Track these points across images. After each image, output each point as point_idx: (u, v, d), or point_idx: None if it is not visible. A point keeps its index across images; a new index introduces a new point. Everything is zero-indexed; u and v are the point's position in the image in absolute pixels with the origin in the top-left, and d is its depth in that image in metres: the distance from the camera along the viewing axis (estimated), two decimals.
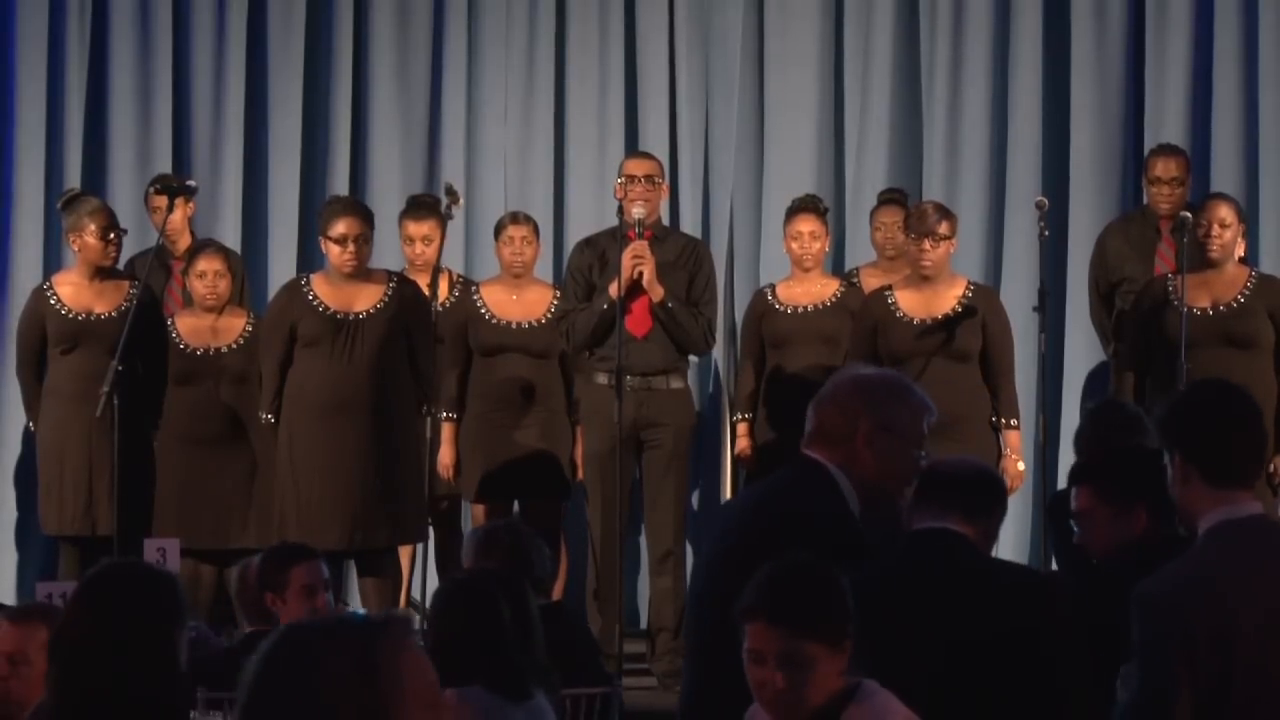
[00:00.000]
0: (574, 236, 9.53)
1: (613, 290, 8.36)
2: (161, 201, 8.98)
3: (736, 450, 9.02)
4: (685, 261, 8.63)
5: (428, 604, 6.78)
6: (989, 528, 4.82)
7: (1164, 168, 9.12)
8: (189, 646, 3.96)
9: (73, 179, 10.03)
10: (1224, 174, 9.83)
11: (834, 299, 8.85)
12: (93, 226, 8.54)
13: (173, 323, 8.77)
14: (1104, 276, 9.19)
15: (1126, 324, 8.74)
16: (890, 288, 8.51)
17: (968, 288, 8.45)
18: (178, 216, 9.12)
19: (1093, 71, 10.05)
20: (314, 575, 6.05)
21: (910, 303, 8.37)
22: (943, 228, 8.36)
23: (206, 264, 8.78)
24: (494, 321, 8.89)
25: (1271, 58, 9.84)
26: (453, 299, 9.11)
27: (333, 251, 8.22)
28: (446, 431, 8.88)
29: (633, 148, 10.07)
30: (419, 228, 9.12)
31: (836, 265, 9.86)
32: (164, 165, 10.07)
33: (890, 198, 9.55)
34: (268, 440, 8.37)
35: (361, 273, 8.25)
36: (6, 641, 4.59)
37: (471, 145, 10.46)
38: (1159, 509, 5.11)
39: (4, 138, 10.15)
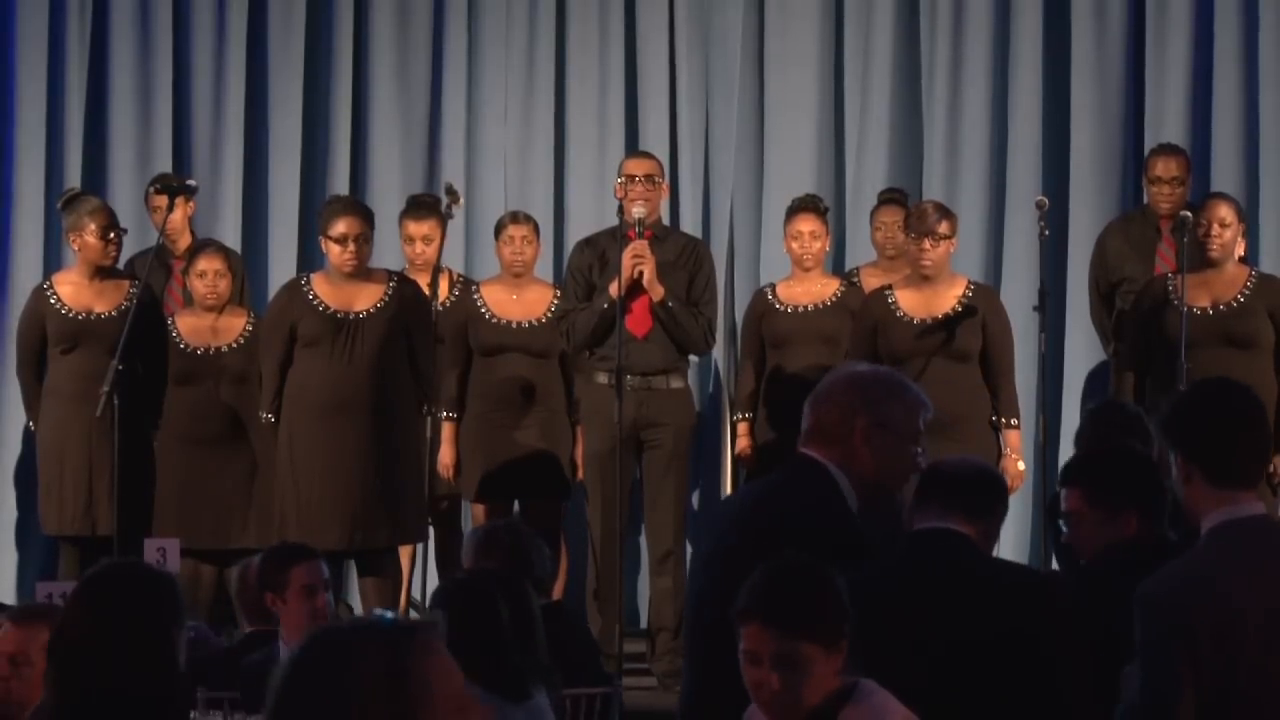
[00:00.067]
0: (574, 236, 9.53)
1: (613, 290, 8.35)
2: (162, 201, 8.98)
3: (737, 450, 9.03)
4: (685, 261, 8.63)
5: (428, 604, 6.79)
6: (990, 527, 4.81)
7: (1164, 167, 9.12)
8: (189, 646, 3.96)
9: (73, 179, 10.03)
10: (1224, 174, 9.83)
11: (834, 299, 8.85)
12: (93, 226, 8.54)
13: (173, 322, 8.77)
14: (1104, 276, 9.19)
15: (1126, 324, 8.74)
16: (890, 287, 8.51)
17: (968, 287, 8.45)
18: (178, 216, 9.12)
19: (1093, 71, 10.05)
20: (314, 575, 6.05)
21: (910, 302, 8.37)
22: (943, 227, 8.36)
23: (207, 263, 8.78)
24: (494, 321, 8.89)
25: (1271, 58, 9.84)
26: (453, 299, 9.11)
27: (333, 251, 8.22)
28: (446, 431, 8.88)
29: (633, 148, 10.07)
30: (419, 227, 9.12)
31: (836, 265, 9.86)
32: (164, 165, 10.07)
33: (890, 197, 9.55)
34: (268, 440, 8.37)
35: (362, 272, 8.25)
36: (8, 642, 4.59)
37: (471, 145, 10.46)
38: (1149, 512, 5.11)
39: (4, 138, 10.15)
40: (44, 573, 9.12)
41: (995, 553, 5.08)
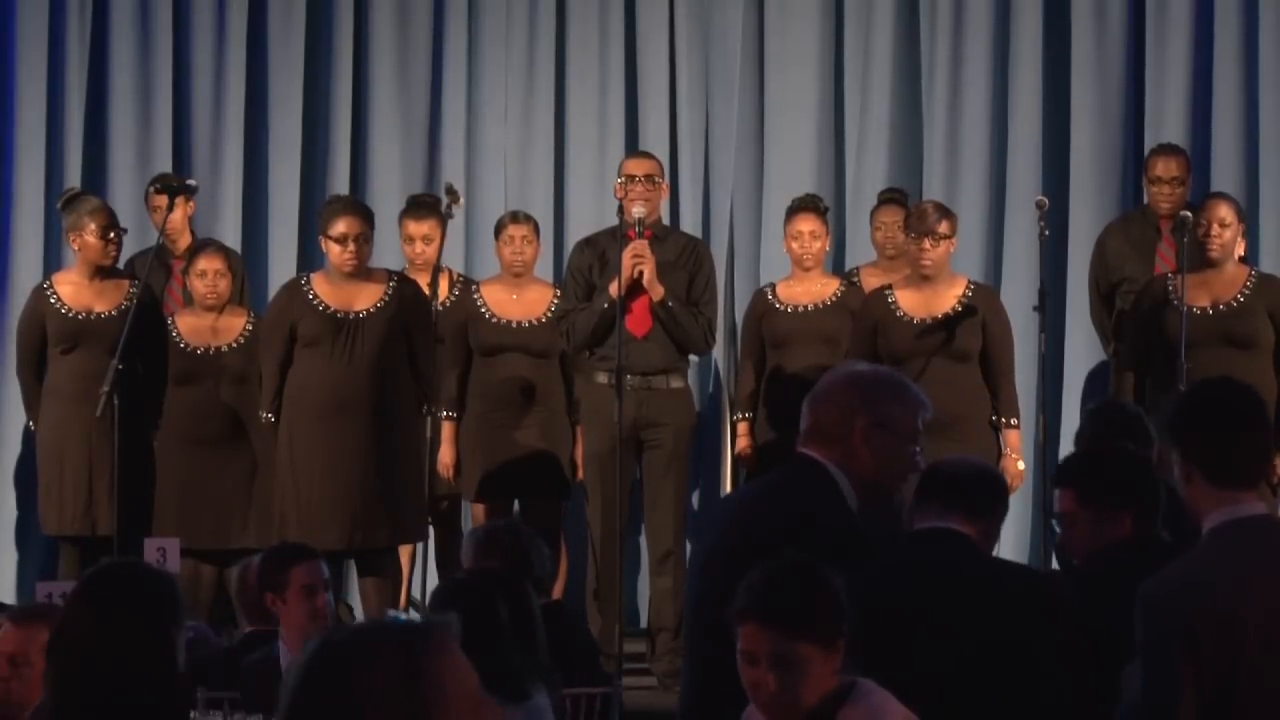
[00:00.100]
0: (574, 236, 9.53)
1: (613, 290, 8.35)
2: (161, 201, 8.98)
3: (737, 450, 9.02)
4: (685, 261, 8.62)
5: (427, 604, 6.79)
6: (991, 527, 4.82)
7: (1164, 167, 9.12)
8: (189, 646, 3.96)
9: (73, 179, 10.03)
10: (1224, 174, 9.83)
11: (834, 298, 8.85)
12: (93, 226, 8.53)
13: (173, 322, 8.76)
14: (1104, 276, 9.19)
15: (1126, 324, 8.74)
16: (890, 287, 8.51)
17: (968, 287, 8.45)
18: (178, 216, 9.12)
19: (1093, 71, 10.05)
20: (314, 575, 6.05)
21: (910, 302, 8.37)
22: (943, 227, 8.36)
23: (207, 263, 8.78)
24: (494, 321, 8.89)
25: (1271, 58, 9.84)
26: (453, 298, 9.10)
27: (333, 251, 8.22)
28: (446, 431, 8.88)
29: (633, 148, 10.07)
30: (419, 227, 9.12)
31: (836, 265, 9.85)
32: (164, 165, 10.07)
33: (890, 197, 9.55)
34: (268, 440, 8.36)
35: (362, 272, 8.25)
36: (8, 642, 4.58)
37: (471, 145, 10.45)
38: (1143, 513, 5.11)
39: (4, 138, 10.15)
40: (44, 573, 9.12)
41: (995, 553, 5.08)
